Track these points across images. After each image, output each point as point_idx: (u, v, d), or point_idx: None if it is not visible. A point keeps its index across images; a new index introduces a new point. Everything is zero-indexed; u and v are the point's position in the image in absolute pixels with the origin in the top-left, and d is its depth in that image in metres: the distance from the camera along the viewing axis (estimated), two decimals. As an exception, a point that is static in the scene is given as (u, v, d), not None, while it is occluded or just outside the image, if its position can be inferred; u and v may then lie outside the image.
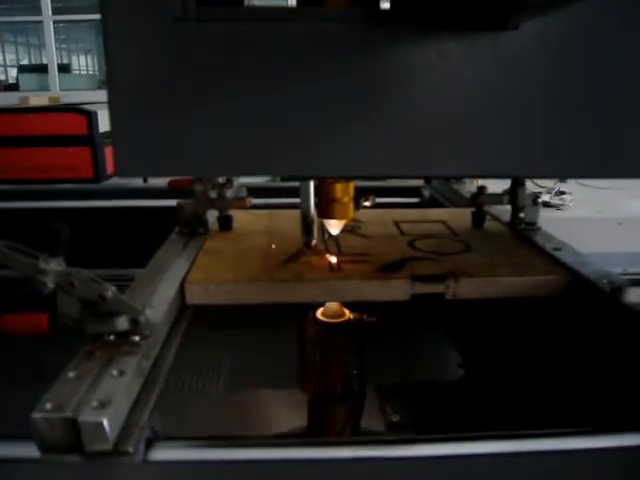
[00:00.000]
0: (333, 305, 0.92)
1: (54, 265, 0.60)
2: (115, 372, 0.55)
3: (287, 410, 1.17)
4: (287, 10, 0.61)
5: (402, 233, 1.06)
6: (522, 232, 1.07)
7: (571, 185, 3.56)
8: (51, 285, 0.60)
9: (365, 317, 0.94)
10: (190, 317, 0.80)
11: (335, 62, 0.58)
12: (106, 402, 0.50)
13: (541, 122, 0.62)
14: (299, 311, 0.99)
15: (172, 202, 1.61)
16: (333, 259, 0.89)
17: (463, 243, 0.99)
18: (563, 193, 3.02)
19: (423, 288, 0.82)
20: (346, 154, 0.62)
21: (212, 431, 1.09)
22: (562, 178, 2.59)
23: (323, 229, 1.05)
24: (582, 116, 0.62)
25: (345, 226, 1.08)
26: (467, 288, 0.83)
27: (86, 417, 0.48)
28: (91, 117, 3.34)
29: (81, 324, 0.62)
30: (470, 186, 1.53)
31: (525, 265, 0.89)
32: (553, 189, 3.03)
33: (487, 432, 0.60)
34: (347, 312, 0.93)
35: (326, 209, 0.87)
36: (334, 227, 0.90)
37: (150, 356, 0.62)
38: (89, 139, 3.37)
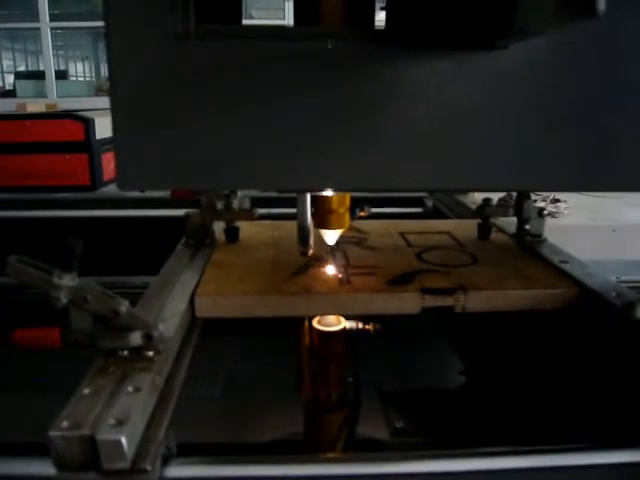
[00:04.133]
0: None
1: (68, 280, 0.59)
2: (130, 389, 0.55)
3: (283, 417, 1.17)
4: (284, 29, 0.62)
5: (409, 245, 1.06)
6: (528, 244, 1.07)
7: (566, 193, 3.58)
8: (65, 300, 0.60)
9: (361, 325, 0.94)
10: (200, 330, 0.80)
11: (332, 79, 0.60)
12: (123, 419, 0.50)
13: (532, 137, 0.63)
14: (295, 319, 0.99)
15: (170, 212, 1.62)
16: (335, 270, 0.89)
17: (470, 255, 1.00)
18: (558, 201, 3.04)
19: (433, 301, 0.82)
20: (344, 169, 0.63)
21: (206, 438, 1.08)
22: (552, 192, 2.60)
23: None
24: (573, 131, 0.63)
25: (351, 238, 1.08)
26: (476, 301, 0.83)
27: (104, 435, 0.48)
28: (88, 124, 3.32)
29: (94, 339, 0.62)
30: (472, 197, 1.53)
31: (533, 278, 0.89)
32: (548, 197, 3.04)
33: (486, 448, 0.60)
34: (343, 320, 0.94)
35: (322, 219, 0.88)
36: (330, 237, 0.91)
37: (163, 371, 0.62)
38: (86, 146, 3.35)
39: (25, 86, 6.68)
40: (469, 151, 0.63)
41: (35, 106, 5.05)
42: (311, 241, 0.90)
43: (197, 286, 0.83)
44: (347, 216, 0.89)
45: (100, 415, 0.51)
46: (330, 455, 0.94)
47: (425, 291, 0.82)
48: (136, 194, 1.79)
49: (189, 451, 0.56)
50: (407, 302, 0.82)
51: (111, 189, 3.32)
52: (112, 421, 0.50)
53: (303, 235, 0.89)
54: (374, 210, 1.55)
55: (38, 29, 5.73)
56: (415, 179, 0.65)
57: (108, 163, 3.58)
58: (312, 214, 0.88)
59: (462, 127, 0.62)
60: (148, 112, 0.58)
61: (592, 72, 0.61)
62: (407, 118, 0.61)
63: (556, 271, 0.92)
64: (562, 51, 0.60)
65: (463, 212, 1.45)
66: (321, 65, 0.59)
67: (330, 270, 0.90)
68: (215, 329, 0.83)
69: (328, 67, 0.59)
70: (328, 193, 0.85)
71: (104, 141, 3.40)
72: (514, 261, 0.98)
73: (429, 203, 1.70)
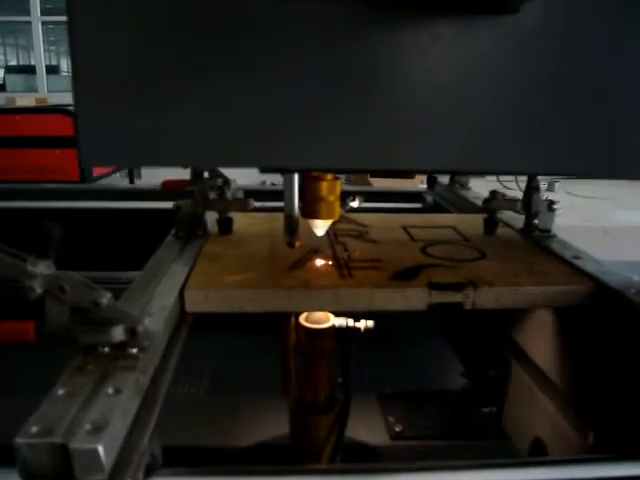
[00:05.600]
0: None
1: (43, 268, 0.53)
2: (110, 390, 0.49)
3: (269, 418, 1.12)
4: None
5: (412, 239, 1.00)
6: (537, 239, 1.02)
7: (559, 194, 3.57)
8: (39, 290, 0.54)
9: (351, 323, 0.89)
10: (190, 326, 0.74)
11: (323, 46, 0.53)
12: (101, 425, 0.44)
13: (541, 115, 0.58)
14: (282, 315, 0.93)
15: (162, 204, 1.56)
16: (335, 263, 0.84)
17: (477, 250, 0.94)
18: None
19: (441, 297, 0.76)
20: (337, 146, 0.56)
21: (192, 440, 1.04)
22: (559, 175, 2.57)
23: (329, 232, 1.00)
24: (582, 110, 0.58)
25: (351, 231, 1.03)
26: (486, 297, 0.78)
27: (78, 443, 0.42)
28: (78, 118, 3.28)
29: (72, 333, 0.56)
30: (474, 191, 1.48)
31: (545, 273, 0.84)
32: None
33: (491, 460, 0.55)
34: (332, 317, 0.88)
35: (311, 208, 0.82)
36: (319, 228, 0.85)
37: (148, 370, 0.56)
38: (75, 141, 3.34)
39: (15, 80, 6.61)
40: (473, 129, 0.58)
41: (24, 100, 4.97)
42: (298, 232, 0.84)
43: (187, 279, 0.77)
44: (337, 205, 0.83)
45: (75, 420, 0.45)
46: (322, 467, 0.88)
47: (432, 286, 0.76)
48: (127, 186, 1.73)
49: (169, 455, 0.51)
50: (413, 298, 0.76)
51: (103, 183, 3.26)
52: (88, 427, 0.44)
53: (290, 225, 0.83)
54: (372, 205, 1.50)
55: (29, 23, 5.65)
56: (414, 159, 0.59)
57: (99, 158, 3.54)
58: (300, 203, 0.82)
59: (465, 102, 0.56)
60: (115, 83, 0.52)
61: (611, 43, 0.56)
62: (406, 91, 0.55)
63: (569, 267, 0.87)
64: (578, 15, 0.55)
65: (465, 207, 1.40)
66: (313, 31, 0.53)
67: (330, 263, 0.85)
68: (200, 326, 0.77)
69: (321, 33, 0.53)
70: (315, 175, 0.79)
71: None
72: (524, 256, 0.93)
73: (429, 198, 1.65)
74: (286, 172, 0.77)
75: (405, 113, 0.56)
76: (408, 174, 3.03)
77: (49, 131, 3.38)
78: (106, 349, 0.55)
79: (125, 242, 1.50)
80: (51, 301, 0.55)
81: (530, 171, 0.86)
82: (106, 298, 0.55)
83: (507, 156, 0.60)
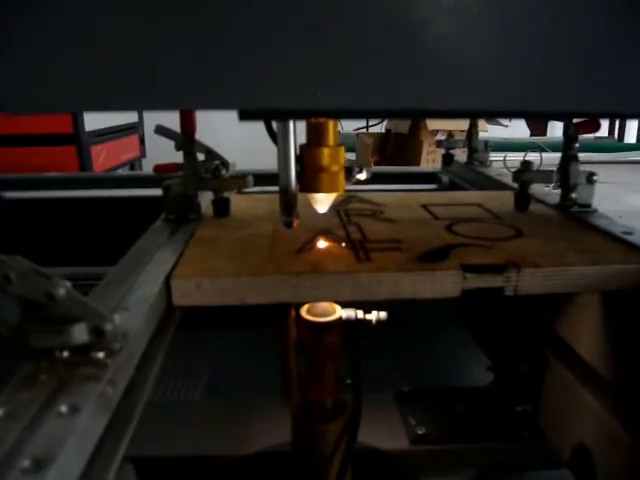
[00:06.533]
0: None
1: (-20, 252, 0.42)
2: (64, 408, 0.37)
3: (271, 424, 1.00)
4: None
5: (435, 217, 0.88)
6: (577, 215, 0.90)
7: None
8: (-23, 280, 0.42)
9: (361, 315, 0.77)
10: (177, 323, 0.62)
11: None
12: (46, 459, 0.32)
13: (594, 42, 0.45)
14: (280, 308, 0.81)
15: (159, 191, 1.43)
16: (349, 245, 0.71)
17: (512, 228, 0.82)
18: (562, 186, 2.94)
19: (478, 281, 0.64)
20: (337, 78, 0.43)
21: (183, 449, 0.93)
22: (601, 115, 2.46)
23: (339, 213, 0.88)
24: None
25: (364, 210, 0.91)
26: (532, 280, 0.65)
27: (9, 488, 0.30)
28: (77, 115, 3.24)
29: (22, 334, 0.44)
30: (496, 169, 1.36)
31: (596, 252, 0.72)
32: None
33: None
34: (338, 309, 0.76)
35: (310, 181, 0.70)
36: (321, 203, 0.73)
37: (120, 380, 0.44)
38: (75, 138, 3.29)
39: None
40: (516, 57, 0.45)
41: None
42: (297, 210, 0.72)
43: (175, 266, 0.65)
44: (342, 176, 0.72)
45: (11, 452, 0.33)
46: None
47: (467, 269, 0.64)
48: (118, 173, 1.61)
49: (159, 467, 0.39)
50: (444, 283, 0.64)
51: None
52: (26, 463, 0.32)
53: (287, 201, 0.71)
54: (382, 187, 1.38)
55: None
56: (445, 96, 0.45)
57: (98, 155, 3.47)
58: (298, 175, 0.70)
59: (508, 24, 0.43)
60: (32, 17, 0.39)
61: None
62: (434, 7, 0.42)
63: (621, 244, 0.75)
64: None
65: (488, 185, 1.27)
66: None
67: (343, 245, 0.72)
68: (194, 321, 0.65)
69: None
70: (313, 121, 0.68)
71: (94, 133, 3.30)
72: (567, 234, 0.80)
73: (445, 178, 1.52)
74: (275, 119, 0.64)
75: (431, 36, 0.43)
76: (418, 145, 2.85)
77: (47, 128, 3.32)
78: (65, 354, 0.43)
79: (115, 233, 1.39)
80: (-6, 294, 0.43)
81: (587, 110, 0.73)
82: (63, 288, 0.42)
83: (556, 92, 0.47)
